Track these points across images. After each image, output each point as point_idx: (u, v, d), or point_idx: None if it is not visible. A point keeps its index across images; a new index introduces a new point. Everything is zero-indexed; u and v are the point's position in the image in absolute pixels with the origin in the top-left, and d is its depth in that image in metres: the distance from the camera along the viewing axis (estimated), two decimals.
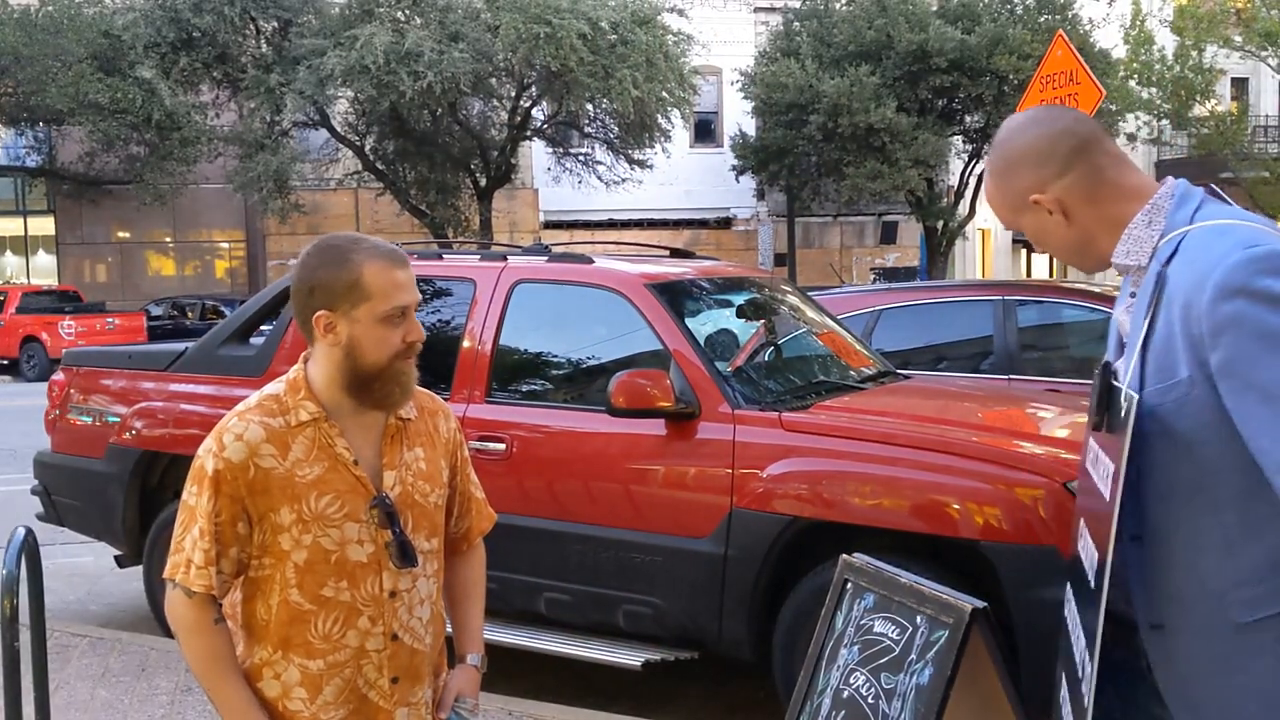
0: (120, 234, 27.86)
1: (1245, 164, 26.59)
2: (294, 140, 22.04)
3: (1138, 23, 24.98)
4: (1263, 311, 1.56)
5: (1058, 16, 21.60)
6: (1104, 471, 1.79)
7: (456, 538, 2.22)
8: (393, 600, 1.97)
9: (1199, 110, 25.47)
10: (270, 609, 1.95)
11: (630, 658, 4.29)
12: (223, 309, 23.10)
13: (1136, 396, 1.62)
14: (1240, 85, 30.90)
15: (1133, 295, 1.84)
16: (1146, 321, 1.70)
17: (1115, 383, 1.82)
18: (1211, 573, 1.65)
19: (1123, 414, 1.69)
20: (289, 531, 1.91)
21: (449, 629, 2.18)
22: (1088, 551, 1.84)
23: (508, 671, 4.73)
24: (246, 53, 21.57)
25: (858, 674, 2.35)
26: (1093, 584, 1.75)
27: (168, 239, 28.58)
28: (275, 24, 21.16)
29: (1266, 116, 30.60)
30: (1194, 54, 24.94)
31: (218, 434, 1.94)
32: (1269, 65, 26.86)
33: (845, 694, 2.38)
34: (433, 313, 5.01)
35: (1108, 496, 1.70)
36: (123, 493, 5.37)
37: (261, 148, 20.49)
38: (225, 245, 29.18)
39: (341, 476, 1.95)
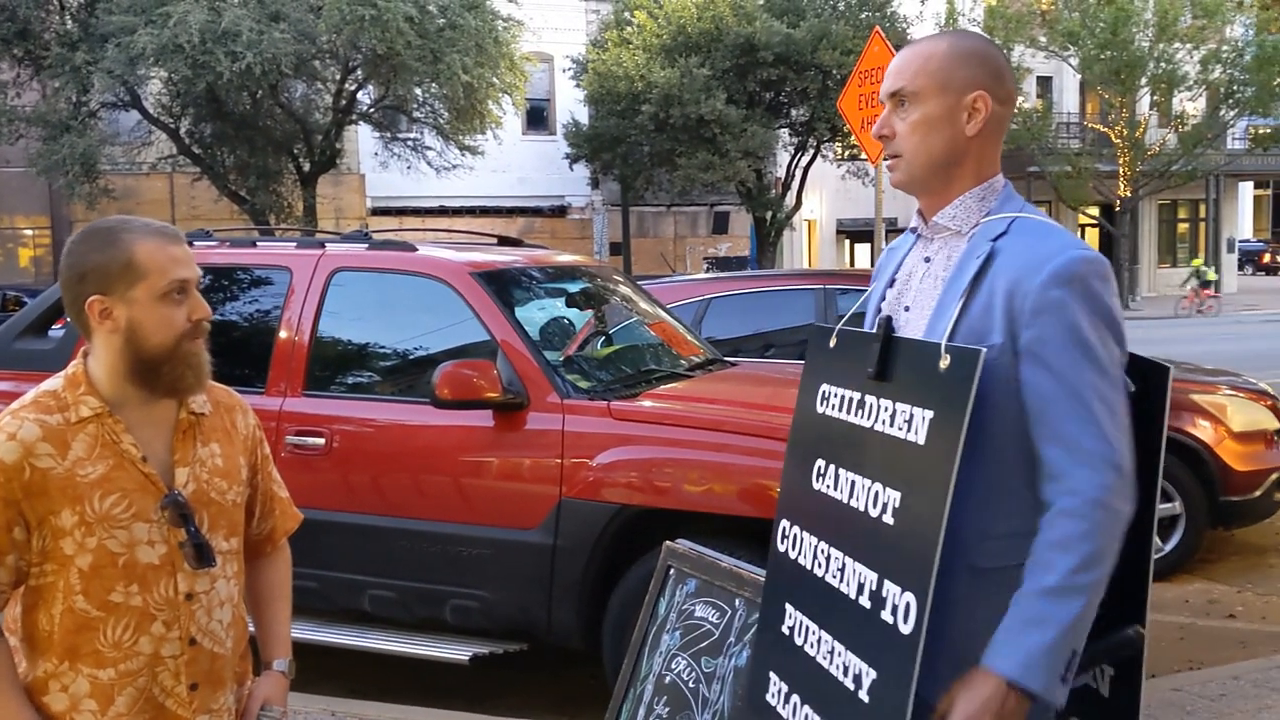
0: None
1: (1050, 158, 28.22)
2: (103, 122, 20.86)
3: (951, 22, 26.13)
4: (1080, 309, 1.73)
5: (877, 13, 22.34)
6: (891, 417, 1.83)
7: (260, 539, 2.13)
8: (189, 603, 1.87)
9: None
10: (53, 618, 1.82)
11: (458, 652, 4.22)
12: (25, 300, 21.72)
13: (984, 350, 1.70)
14: (1045, 83, 32.66)
15: (927, 260, 1.95)
16: (968, 286, 1.81)
17: (897, 334, 1.90)
18: (965, 521, 1.74)
19: (946, 364, 1.73)
20: (71, 535, 1.79)
21: (253, 633, 2.08)
22: (869, 495, 1.86)
23: (331, 671, 4.60)
24: (50, 29, 20.26)
25: (679, 659, 2.36)
26: (929, 536, 1.75)
27: None
28: None
29: (1069, 114, 32.45)
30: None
31: None
32: (1070, 65, 28.48)
33: (667, 679, 2.39)
34: (248, 303, 4.81)
35: (920, 440, 1.75)
36: None
37: (67, 129, 19.31)
38: (29, 232, 27.44)
39: (128, 474, 1.83)
